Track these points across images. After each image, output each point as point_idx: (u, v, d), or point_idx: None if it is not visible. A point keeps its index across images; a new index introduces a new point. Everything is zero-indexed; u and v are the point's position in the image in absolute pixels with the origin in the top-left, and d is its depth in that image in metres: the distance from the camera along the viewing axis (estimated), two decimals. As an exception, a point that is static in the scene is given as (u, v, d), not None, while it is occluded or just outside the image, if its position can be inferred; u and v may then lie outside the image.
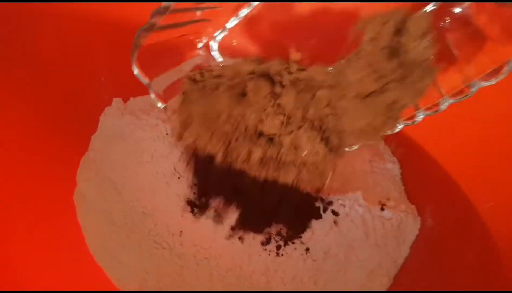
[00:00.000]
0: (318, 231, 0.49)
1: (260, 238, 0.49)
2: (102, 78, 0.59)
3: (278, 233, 0.48)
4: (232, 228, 0.49)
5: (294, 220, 0.48)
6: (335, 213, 0.49)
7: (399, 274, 0.48)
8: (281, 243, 0.48)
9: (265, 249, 0.48)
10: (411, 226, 0.50)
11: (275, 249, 0.48)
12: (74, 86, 0.56)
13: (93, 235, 0.50)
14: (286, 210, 0.47)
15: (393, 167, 0.58)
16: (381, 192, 0.55)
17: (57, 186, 0.51)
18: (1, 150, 0.47)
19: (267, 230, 0.48)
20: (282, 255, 0.48)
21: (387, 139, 0.61)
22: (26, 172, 0.49)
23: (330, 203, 0.49)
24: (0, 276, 0.41)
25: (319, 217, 0.49)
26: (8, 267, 0.43)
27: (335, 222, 0.48)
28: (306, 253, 0.48)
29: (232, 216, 0.48)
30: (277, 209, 0.47)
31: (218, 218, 0.49)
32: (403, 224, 0.50)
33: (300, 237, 0.48)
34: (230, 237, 0.49)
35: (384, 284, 0.47)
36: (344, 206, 0.49)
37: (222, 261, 0.48)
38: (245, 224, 0.48)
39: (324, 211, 0.49)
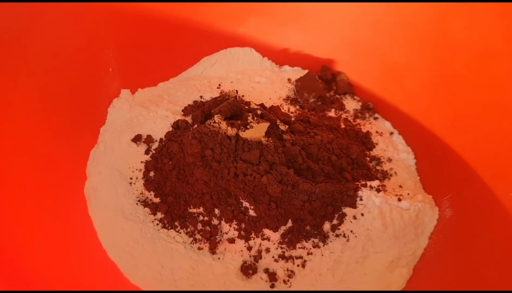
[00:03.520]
0: (335, 223, 0.48)
1: (277, 233, 0.48)
2: (110, 69, 0.57)
3: (296, 228, 0.48)
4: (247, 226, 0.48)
5: (312, 215, 0.47)
6: (353, 205, 0.48)
7: (419, 265, 0.47)
8: (299, 237, 0.47)
9: (282, 242, 0.47)
10: (429, 216, 0.49)
11: (292, 243, 0.47)
12: (82, 78, 0.54)
13: (105, 229, 0.49)
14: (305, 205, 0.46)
15: (407, 157, 0.57)
16: (396, 182, 0.54)
17: (67, 180, 0.49)
18: (9, 145, 0.46)
19: (283, 227, 0.48)
20: (299, 248, 0.47)
21: (401, 128, 0.60)
22: (34, 167, 0.47)
23: (348, 196, 0.48)
24: (12, 272, 0.40)
25: (338, 210, 0.48)
26: (20, 263, 0.41)
27: (353, 214, 0.48)
28: (324, 245, 0.47)
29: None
30: (294, 205, 0.46)
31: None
32: (421, 214, 0.49)
33: (318, 230, 0.48)
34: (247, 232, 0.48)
35: (404, 275, 0.46)
36: (361, 198, 0.48)
37: (237, 255, 0.47)
38: (262, 222, 0.48)
39: (343, 203, 0.48)
